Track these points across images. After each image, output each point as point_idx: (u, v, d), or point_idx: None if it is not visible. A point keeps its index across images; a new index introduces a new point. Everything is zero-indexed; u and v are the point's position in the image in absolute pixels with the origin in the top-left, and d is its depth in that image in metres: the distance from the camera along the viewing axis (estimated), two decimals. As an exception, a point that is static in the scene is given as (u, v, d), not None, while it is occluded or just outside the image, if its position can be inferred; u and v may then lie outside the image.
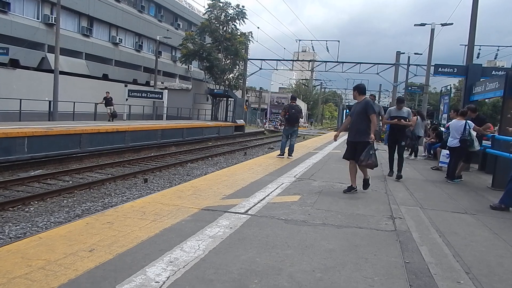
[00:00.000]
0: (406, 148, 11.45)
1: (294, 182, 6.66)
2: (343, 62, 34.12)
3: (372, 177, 6.94)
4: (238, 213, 4.44)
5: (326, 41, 45.38)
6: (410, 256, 3.42)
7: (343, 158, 6.43)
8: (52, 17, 25.93)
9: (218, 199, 5.06)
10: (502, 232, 4.41)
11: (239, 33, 31.27)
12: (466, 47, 14.70)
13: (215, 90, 30.52)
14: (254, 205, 4.81)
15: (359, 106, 6.14)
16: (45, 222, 6.43)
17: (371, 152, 5.78)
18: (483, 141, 8.46)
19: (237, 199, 5.09)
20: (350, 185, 6.14)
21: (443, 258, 3.43)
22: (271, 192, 5.68)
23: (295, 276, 2.83)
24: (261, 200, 5.10)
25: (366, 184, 6.23)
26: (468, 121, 7.77)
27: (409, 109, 8.31)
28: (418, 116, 11.67)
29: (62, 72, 22.07)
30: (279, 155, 10.16)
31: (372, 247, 3.58)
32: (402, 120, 7.93)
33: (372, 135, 5.88)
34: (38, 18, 26.21)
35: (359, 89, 6.25)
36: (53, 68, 19.38)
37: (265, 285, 2.66)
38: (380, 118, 10.10)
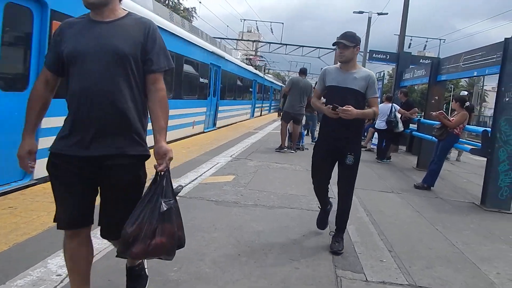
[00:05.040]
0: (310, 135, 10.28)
1: (230, 161, 6.48)
2: (286, 44, 34.15)
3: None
4: (166, 194, 4.16)
5: (271, 22, 45.51)
6: (338, 236, 3.41)
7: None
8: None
9: (145, 180, 4.72)
10: (424, 210, 4.64)
11: (182, 8, 29.93)
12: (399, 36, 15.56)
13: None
14: (185, 186, 4.56)
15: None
16: None
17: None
18: (410, 125, 9.01)
19: (166, 180, 4.79)
20: None
21: (368, 237, 3.48)
22: (205, 172, 5.44)
23: (218, 261, 2.66)
24: (192, 181, 4.86)
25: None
26: (393, 104, 8.38)
27: (370, 72, 3.19)
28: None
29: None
30: None
31: (301, 228, 3.53)
32: (351, 107, 2.89)
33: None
34: None
35: None
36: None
37: (185, 272, 2.46)
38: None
